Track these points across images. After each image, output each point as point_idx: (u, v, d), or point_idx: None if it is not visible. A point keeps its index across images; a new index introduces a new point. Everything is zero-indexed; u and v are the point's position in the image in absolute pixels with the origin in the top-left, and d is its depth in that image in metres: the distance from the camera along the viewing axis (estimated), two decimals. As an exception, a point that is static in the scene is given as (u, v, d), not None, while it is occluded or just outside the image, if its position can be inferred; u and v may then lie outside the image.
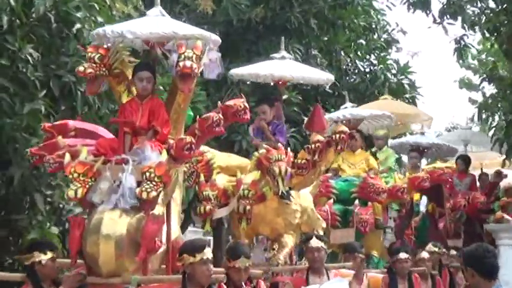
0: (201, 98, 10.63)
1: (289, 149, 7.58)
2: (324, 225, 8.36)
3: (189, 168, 6.91)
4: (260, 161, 7.21)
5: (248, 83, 9.57)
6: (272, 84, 8.69)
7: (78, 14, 8.62)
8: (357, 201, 9.53)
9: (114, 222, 5.73)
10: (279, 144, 7.49)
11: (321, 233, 8.08)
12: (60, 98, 8.61)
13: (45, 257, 5.95)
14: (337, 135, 7.76)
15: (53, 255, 6.00)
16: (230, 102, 6.25)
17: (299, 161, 7.73)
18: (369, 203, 9.54)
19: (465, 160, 12.50)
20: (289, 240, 7.67)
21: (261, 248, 7.75)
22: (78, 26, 8.64)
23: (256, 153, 7.37)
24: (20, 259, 6.20)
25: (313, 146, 7.73)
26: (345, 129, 7.88)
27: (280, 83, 8.49)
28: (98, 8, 8.80)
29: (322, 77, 8.89)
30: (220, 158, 7.49)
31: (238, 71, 8.60)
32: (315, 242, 7.43)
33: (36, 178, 8.51)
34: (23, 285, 6.00)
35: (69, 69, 8.49)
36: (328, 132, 8.24)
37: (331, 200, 9.22)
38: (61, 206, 8.86)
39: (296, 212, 7.77)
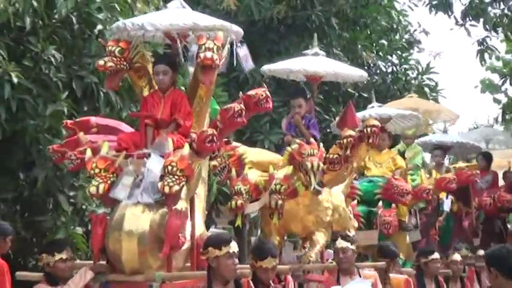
0: (223, 99, 10.49)
1: (321, 144, 7.41)
2: (356, 224, 8.15)
3: (220, 163, 6.74)
4: (292, 156, 7.06)
5: (272, 81, 9.31)
6: (304, 80, 8.45)
7: (100, 15, 8.59)
8: (380, 203, 9.28)
9: (137, 218, 5.57)
10: (312, 139, 7.33)
11: (353, 232, 7.88)
12: (83, 99, 8.56)
13: (52, 259, 5.85)
14: (369, 129, 7.53)
15: (62, 256, 5.87)
16: (252, 92, 6.08)
17: (331, 156, 7.50)
18: (393, 205, 9.29)
19: (486, 157, 12.24)
20: (321, 238, 7.48)
21: (291, 246, 7.54)
22: (100, 27, 8.59)
23: (288, 148, 7.21)
24: (38, 260, 6.11)
25: (344, 140, 7.50)
26: (376, 122, 7.66)
27: (312, 79, 8.31)
28: (119, 9, 8.74)
29: (356, 73, 8.66)
30: (252, 154, 7.34)
31: (270, 67, 8.42)
32: (340, 243, 7.26)
33: (60, 179, 8.47)
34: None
35: (91, 70, 8.44)
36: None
37: (355, 201, 8.98)
38: (84, 206, 8.80)
39: (328, 209, 7.58)
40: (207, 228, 13.59)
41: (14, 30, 8.12)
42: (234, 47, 5.93)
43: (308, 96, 8.10)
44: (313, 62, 8.22)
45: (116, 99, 8.63)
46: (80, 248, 8.55)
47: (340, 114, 8.23)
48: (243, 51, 6.00)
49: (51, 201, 8.58)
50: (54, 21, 8.44)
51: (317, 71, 8.13)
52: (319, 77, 8.27)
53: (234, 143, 6.98)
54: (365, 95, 11.39)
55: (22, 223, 8.39)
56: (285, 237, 7.68)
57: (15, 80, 7.80)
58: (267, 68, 8.40)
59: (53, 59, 8.20)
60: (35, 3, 8.03)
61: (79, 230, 8.65)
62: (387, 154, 9.86)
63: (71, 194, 8.62)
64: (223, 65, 6.00)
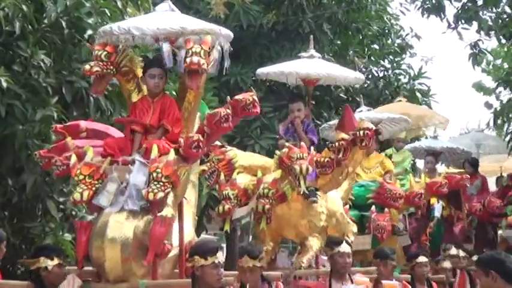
0: (213, 104, 10.37)
1: (312, 148, 7.28)
2: (355, 229, 8.02)
3: (209, 167, 6.69)
4: (282, 160, 6.96)
5: (263, 86, 9.21)
6: (298, 83, 8.41)
7: (90, 20, 8.47)
8: (373, 207, 9.15)
9: (120, 225, 5.45)
10: (302, 143, 7.21)
11: (352, 238, 7.76)
12: (73, 104, 8.46)
13: (51, 263, 5.72)
14: (362, 132, 7.39)
15: (60, 261, 5.78)
16: (239, 96, 5.95)
17: (322, 159, 7.40)
18: (386, 209, 9.16)
19: (472, 163, 12.15)
20: (314, 244, 7.37)
21: (286, 252, 7.42)
22: (90, 31, 8.46)
23: (278, 152, 7.11)
24: (26, 263, 5.94)
25: (337, 144, 7.40)
26: (370, 125, 7.52)
27: (308, 82, 8.20)
28: (109, 14, 8.63)
29: (351, 75, 8.52)
30: (243, 158, 7.24)
31: (264, 70, 8.29)
32: (346, 248, 7.12)
33: (49, 185, 8.37)
34: None
35: (81, 76, 8.30)
36: None
37: (347, 206, 8.85)
38: (73, 213, 8.69)
39: (321, 214, 7.46)
40: (198, 234, 13.65)
41: (3, 35, 8.01)
42: (216, 46, 5.81)
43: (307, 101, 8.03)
44: (308, 65, 8.11)
45: (106, 104, 8.52)
46: (68, 255, 8.35)
47: (339, 119, 8.12)
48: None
49: (40, 207, 8.49)
50: (43, 25, 8.33)
51: (310, 74, 8.02)
52: (315, 80, 8.16)
53: (228, 147, 6.88)
54: (357, 99, 11.29)
55: (10, 229, 8.27)
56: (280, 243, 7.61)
57: (4, 85, 7.70)
58: (261, 71, 8.29)
59: (42, 64, 8.11)
60: (25, 8, 7.93)
61: (68, 236, 8.51)
62: (375, 158, 9.74)
63: (60, 199, 8.52)
64: (213, 69, 5.89)
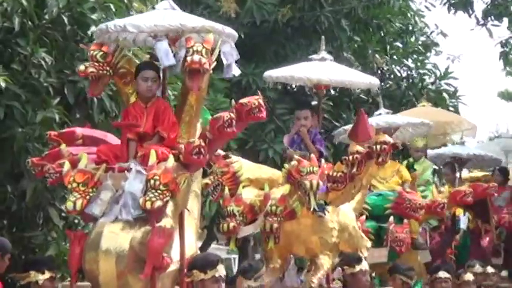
0: (224, 105, 10.26)
1: (323, 160, 7.14)
2: (369, 244, 7.87)
3: (213, 181, 6.56)
4: (290, 174, 6.79)
5: (279, 86, 9.10)
6: (309, 88, 8.27)
7: (94, 16, 8.40)
8: (391, 218, 9.00)
9: (115, 236, 5.39)
10: (312, 156, 7.03)
11: (365, 254, 7.60)
12: (75, 106, 8.41)
13: (42, 277, 5.72)
14: (379, 146, 7.22)
15: (52, 274, 5.77)
16: (244, 100, 5.85)
17: (335, 173, 7.26)
18: (405, 220, 9.01)
19: (503, 172, 11.92)
20: (325, 261, 7.23)
21: (295, 269, 7.30)
22: (93, 28, 8.30)
23: (286, 165, 6.95)
24: (15, 278, 5.85)
25: (351, 157, 7.24)
26: (388, 139, 7.35)
27: (318, 87, 8.07)
28: (114, 9, 8.56)
29: (365, 80, 8.37)
30: (250, 170, 7.11)
31: (272, 73, 8.15)
32: (366, 265, 7.06)
33: (50, 192, 8.30)
34: None
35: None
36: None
37: (363, 217, 8.69)
38: (76, 221, 8.65)
39: (333, 230, 7.33)
40: (209, 244, 13.58)
41: (2, 32, 7.98)
42: (219, 45, 5.72)
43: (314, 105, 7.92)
44: (319, 69, 7.98)
45: (110, 105, 8.44)
46: (71, 266, 8.37)
47: (353, 125, 7.94)
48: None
49: (41, 215, 8.46)
50: (44, 21, 8.28)
51: (321, 79, 7.89)
52: (325, 85, 8.04)
53: (234, 157, 6.78)
54: (378, 99, 11.14)
55: (10, 239, 8.14)
56: (291, 260, 7.45)
57: (2, 84, 7.66)
58: (269, 74, 8.16)
59: (43, 63, 8.07)
60: (25, 3, 7.88)
61: (72, 246, 8.48)
62: (391, 167, 9.53)
63: (63, 207, 8.30)
64: (233, 71, 5.87)
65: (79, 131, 6.25)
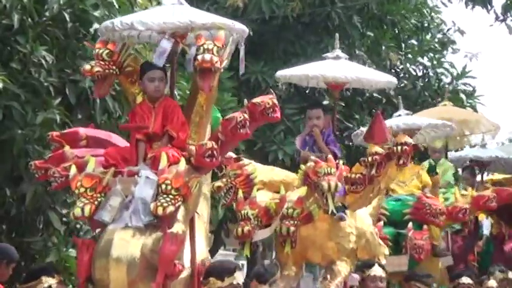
0: (232, 105, 10.30)
1: (341, 161, 7.22)
2: (387, 252, 7.92)
3: (225, 184, 6.62)
4: (307, 176, 6.86)
5: (287, 87, 9.14)
6: (320, 88, 8.26)
7: (96, 13, 8.45)
8: (410, 224, 9.02)
9: (126, 243, 5.40)
10: (330, 156, 7.09)
11: (383, 261, 7.66)
12: (77, 106, 8.45)
13: (53, 281, 5.75)
14: (399, 147, 7.25)
15: (61, 278, 5.81)
16: (257, 100, 5.85)
17: (353, 175, 7.29)
18: (424, 226, 9.04)
19: None
20: (343, 268, 7.27)
21: (311, 277, 7.34)
22: (96, 25, 8.40)
23: (303, 167, 7.01)
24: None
25: (370, 158, 7.26)
26: (409, 140, 7.38)
27: (333, 86, 8.08)
28: (118, 6, 8.61)
29: (383, 79, 8.37)
30: (263, 172, 7.16)
31: (285, 73, 8.21)
32: (378, 271, 7.09)
33: (51, 195, 8.33)
34: None
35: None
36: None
37: (381, 223, 8.72)
38: (78, 226, 8.69)
39: (350, 235, 7.37)
40: (216, 250, 13.61)
41: (0, 29, 8.02)
42: (230, 43, 5.74)
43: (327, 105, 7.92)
44: (334, 67, 8.00)
45: (113, 105, 8.49)
46: (73, 273, 8.40)
47: (368, 126, 7.96)
48: (167, 45, 5.69)
49: (42, 219, 8.48)
50: (45, 18, 8.32)
51: (337, 77, 7.89)
52: (341, 84, 8.04)
53: (245, 160, 6.81)
54: (394, 101, 11.17)
55: (9, 244, 8.25)
56: (303, 267, 7.50)
57: (1, 84, 7.69)
58: (282, 74, 8.21)
59: (43, 61, 8.10)
60: (24, -1, 7.95)
61: (73, 252, 8.46)
62: (411, 170, 9.52)
63: (64, 211, 8.50)
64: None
65: (82, 131, 6.24)
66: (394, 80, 8.46)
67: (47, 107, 8.08)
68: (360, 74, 8.12)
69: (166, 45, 5.65)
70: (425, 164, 10.34)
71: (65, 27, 8.37)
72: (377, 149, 7.30)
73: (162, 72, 5.87)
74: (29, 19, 8.12)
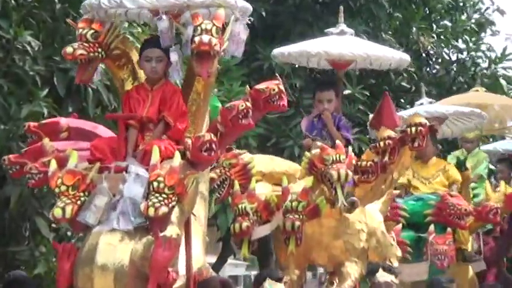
0: (242, 95, 10.19)
1: (350, 148, 7.11)
2: (400, 253, 7.83)
3: (219, 175, 6.53)
4: (313, 164, 6.79)
5: (307, 70, 9.07)
6: (327, 67, 8.16)
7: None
8: (432, 227, 8.87)
9: (113, 249, 5.36)
10: (338, 142, 7.02)
11: (395, 263, 7.54)
12: (67, 98, 8.47)
13: None
14: (413, 128, 7.13)
15: None
16: (261, 86, 5.80)
17: (364, 163, 7.17)
18: (449, 229, 8.88)
19: None
20: (353, 270, 7.17)
21: (316, 282, 7.28)
22: (87, 7, 8.42)
23: (308, 154, 6.94)
24: None
25: (381, 143, 7.16)
26: (423, 120, 7.26)
27: (338, 65, 7.96)
28: (111, -16, 8.56)
29: (395, 56, 8.20)
30: (261, 162, 7.09)
31: (283, 50, 8.06)
32: (381, 276, 6.98)
33: (38, 199, 8.38)
34: None
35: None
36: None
37: (399, 226, 8.63)
38: (69, 233, 8.73)
39: (361, 232, 7.27)
40: (225, 259, 13.57)
41: (-20, 13, 8.11)
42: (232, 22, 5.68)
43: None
44: (339, 43, 7.89)
45: (108, 97, 8.52)
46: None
47: (375, 111, 7.90)
48: (242, 34, 5.71)
49: (28, 226, 8.53)
50: (30, 0, 8.35)
51: (343, 54, 7.76)
52: (346, 62, 7.91)
53: (237, 150, 6.72)
54: (424, 90, 11.08)
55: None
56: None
57: (-19, 74, 7.82)
58: (279, 51, 8.07)
59: (28, 48, 8.14)
60: (6, -22, 8.04)
61: (63, 262, 8.52)
62: (436, 165, 9.41)
63: (53, 217, 8.55)
64: (238, 51, 5.79)
65: (64, 121, 6.21)
66: (407, 57, 8.30)
67: (33, 98, 8.10)
68: (368, 50, 7.98)
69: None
70: (453, 156, 10.23)
71: (53, 8, 8.41)
72: (389, 132, 7.22)
73: (161, 52, 5.83)
74: (12, 1, 8.17)
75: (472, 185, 9.95)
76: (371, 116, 8.12)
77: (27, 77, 8.13)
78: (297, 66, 9.58)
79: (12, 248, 8.42)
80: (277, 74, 6.11)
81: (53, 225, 8.53)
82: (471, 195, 9.54)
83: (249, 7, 5.89)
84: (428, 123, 7.28)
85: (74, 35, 8.13)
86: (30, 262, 8.43)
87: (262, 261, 12.35)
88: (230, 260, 15.53)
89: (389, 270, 7.07)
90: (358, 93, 12.61)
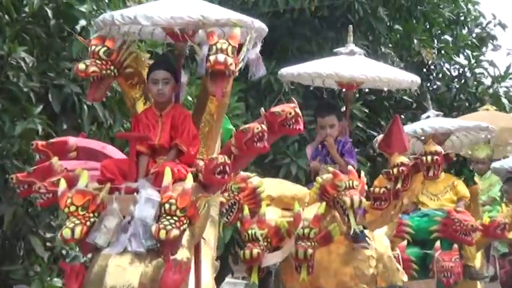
0: (239, 111, 10.31)
1: (363, 173, 7.18)
2: (406, 278, 7.97)
3: (228, 199, 6.61)
4: (325, 190, 6.87)
5: (310, 88, 9.13)
6: (335, 87, 8.25)
7: (83, 8, 8.54)
8: (438, 243, 9.05)
9: (123, 271, 5.37)
10: (350, 167, 7.09)
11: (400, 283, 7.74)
12: (62, 115, 8.52)
13: None
14: (429, 157, 7.33)
15: None
16: (277, 109, 5.87)
17: (376, 189, 7.32)
18: (455, 245, 9.05)
19: None
20: None
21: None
22: (82, 22, 8.52)
23: (319, 179, 7.01)
24: None
25: (395, 170, 7.29)
26: (439, 149, 7.46)
27: (347, 86, 8.06)
28: (107, 0, 8.71)
29: (406, 78, 8.28)
30: (270, 186, 7.16)
31: (290, 71, 8.12)
32: None
33: (33, 218, 8.42)
34: None
35: (72, 78, 8.38)
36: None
37: (405, 242, 8.76)
38: (64, 252, 8.75)
39: (370, 259, 7.41)
40: (222, 278, 13.60)
41: (-27, 28, 8.12)
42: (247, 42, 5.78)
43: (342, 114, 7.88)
44: (349, 64, 7.97)
45: (104, 114, 8.57)
46: (59, 306, 8.51)
47: (384, 133, 7.99)
48: (253, 54, 5.81)
49: (22, 245, 8.53)
50: (24, 15, 8.40)
51: (353, 76, 7.82)
52: (356, 83, 8.00)
53: (245, 173, 6.79)
54: (425, 106, 11.16)
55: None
56: None
57: (-27, 91, 7.81)
58: (286, 71, 8.14)
59: (23, 64, 8.18)
60: (0, -7, 8.05)
61: (58, 281, 8.56)
62: (444, 181, 9.57)
63: (48, 236, 8.59)
64: (262, 71, 5.90)
65: (72, 141, 6.22)
66: (418, 79, 8.37)
67: (27, 115, 8.13)
68: (380, 73, 8.04)
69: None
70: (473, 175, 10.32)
71: (47, 24, 8.43)
72: (402, 159, 7.33)
73: (168, 73, 5.87)
74: (6, 16, 8.20)
75: (487, 208, 10.08)
76: (379, 137, 8.24)
77: (21, 93, 8.15)
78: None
79: (6, 267, 8.41)
80: (293, 98, 6.12)
81: (48, 244, 8.56)
82: (487, 219, 9.60)
83: (265, 28, 5.93)
84: (443, 152, 7.42)
85: (70, 51, 8.46)
86: (25, 281, 8.43)
87: (261, 281, 12.47)
88: (228, 279, 15.52)
89: None
90: (356, 110, 12.62)
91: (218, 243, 10.77)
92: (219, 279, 13.28)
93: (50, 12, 8.36)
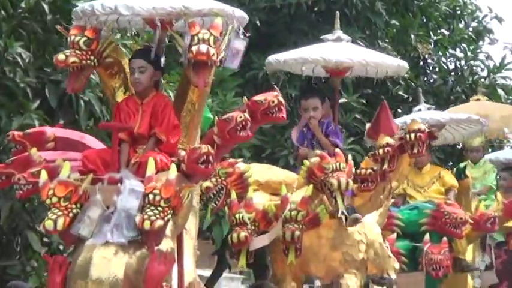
0: (235, 107, 10.19)
1: (350, 156, 7.07)
2: (398, 266, 7.82)
3: (215, 184, 6.45)
4: (312, 172, 6.78)
5: (299, 79, 9.01)
6: (323, 75, 8.09)
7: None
8: (427, 236, 8.87)
9: (107, 262, 5.30)
10: (337, 150, 7.02)
11: (393, 276, 7.57)
12: (59, 110, 8.50)
13: None
14: (412, 135, 7.15)
15: None
16: (259, 97, 5.78)
17: (363, 171, 7.20)
18: (444, 238, 8.86)
19: None
20: (352, 282, 7.15)
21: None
22: (79, 17, 8.45)
23: (306, 162, 6.91)
24: None
25: (380, 151, 7.17)
26: (422, 126, 7.27)
27: (335, 72, 7.92)
28: (103, -6, 8.59)
29: (393, 63, 8.19)
30: (258, 171, 7.06)
31: (278, 57, 7.99)
32: None
33: (29, 213, 8.41)
34: None
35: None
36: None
37: (394, 235, 8.61)
38: (61, 247, 8.70)
39: (360, 243, 7.26)
40: (220, 272, 13.54)
41: (-31, 23, 8.13)
42: (228, 32, 5.67)
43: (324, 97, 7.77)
44: (336, 50, 7.86)
45: (101, 109, 8.54)
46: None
47: (372, 120, 7.89)
48: (239, 45, 5.72)
49: (19, 240, 8.55)
50: (20, 10, 8.40)
51: (342, 61, 7.73)
52: (343, 69, 7.87)
53: (231, 159, 6.66)
54: (421, 95, 11.13)
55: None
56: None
57: (-30, 87, 7.82)
58: (274, 58, 8.00)
59: (19, 59, 8.17)
60: (-4, -11, 8.08)
61: (55, 277, 8.55)
62: (430, 172, 9.44)
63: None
64: (234, 62, 5.79)
65: (50, 131, 6.17)
66: (405, 64, 8.25)
67: (24, 111, 8.12)
68: (366, 57, 7.94)
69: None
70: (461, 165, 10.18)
71: (44, 19, 8.41)
72: (388, 139, 7.23)
73: (144, 62, 5.77)
74: (2, 11, 8.21)
75: (483, 197, 9.96)
76: (368, 125, 8.11)
77: (18, 89, 8.14)
78: (290, 75, 9.56)
79: (3, 262, 8.42)
80: (275, 86, 6.06)
81: (45, 239, 8.55)
82: (483, 208, 9.51)
83: (246, 17, 5.88)
84: (427, 129, 7.30)
85: (66, 45, 8.29)
86: (21, 277, 8.41)
87: (258, 275, 12.35)
88: (225, 274, 15.49)
89: (378, 282, 7.10)
90: (354, 102, 12.64)
91: (216, 239, 10.77)
92: (216, 274, 13.25)
93: (46, 8, 8.35)
